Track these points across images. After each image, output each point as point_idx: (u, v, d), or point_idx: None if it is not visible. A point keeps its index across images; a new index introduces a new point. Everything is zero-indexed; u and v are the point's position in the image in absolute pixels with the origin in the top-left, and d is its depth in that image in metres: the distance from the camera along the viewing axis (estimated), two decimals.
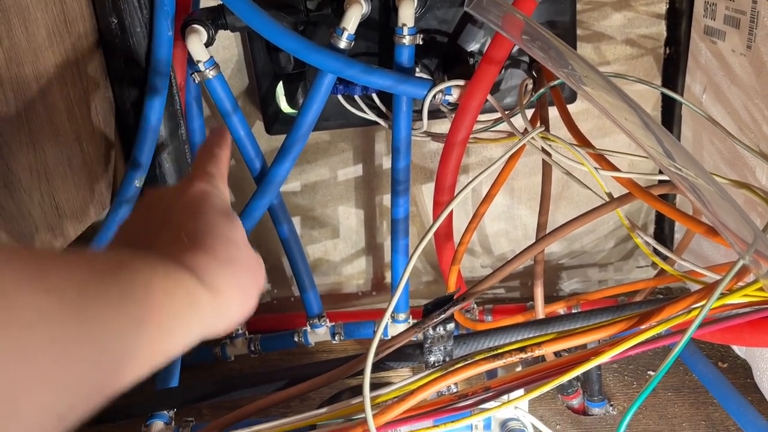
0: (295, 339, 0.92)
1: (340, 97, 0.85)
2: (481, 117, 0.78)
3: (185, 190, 0.38)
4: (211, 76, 0.76)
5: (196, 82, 0.76)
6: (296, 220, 1.01)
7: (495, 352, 0.53)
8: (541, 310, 0.75)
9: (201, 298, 0.32)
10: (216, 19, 0.77)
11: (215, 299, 0.33)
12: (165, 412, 0.67)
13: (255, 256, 0.39)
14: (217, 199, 0.38)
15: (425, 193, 0.99)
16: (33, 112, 0.64)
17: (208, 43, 0.76)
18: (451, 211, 0.79)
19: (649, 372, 0.85)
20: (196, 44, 0.74)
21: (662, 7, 0.86)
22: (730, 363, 0.84)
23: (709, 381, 0.77)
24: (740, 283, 0.53)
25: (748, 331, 0.54)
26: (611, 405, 0.80)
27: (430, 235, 0.59)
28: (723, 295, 0.53)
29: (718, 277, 0.57)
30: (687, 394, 0.80)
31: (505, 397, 0.56)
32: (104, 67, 0.76)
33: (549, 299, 0.94)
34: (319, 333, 0.91)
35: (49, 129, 0.66)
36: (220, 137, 0.44)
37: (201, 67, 0.75)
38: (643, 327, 0.53)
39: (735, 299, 0.53)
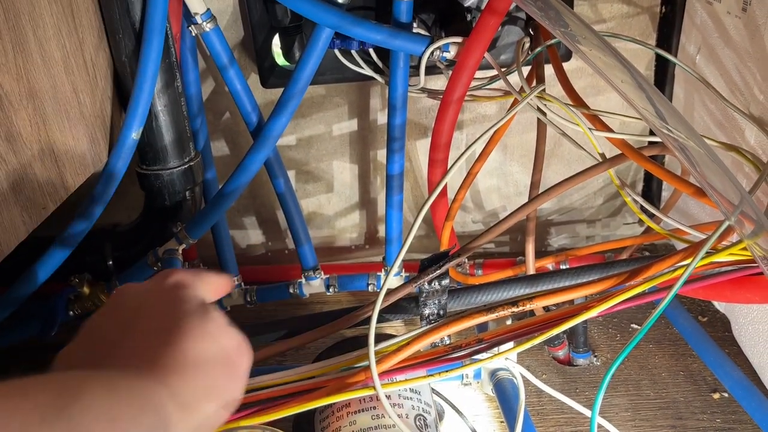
0: (290, 290, 0.94)
1: (336, 51, 0.85)
2: (478, 74, 0.79)
3: (160, 284, 0.37)
4: (208, 29, 0.75)
5: (193, 34, 0.76)
6: (291, 174, 1.01)
7: (488, 306, 0.55)
8: (532, 266, 0.78)
9: (170, 418, 0.30)
10: None
11: (186, 416, 0.31)
12: None
13: (235, 339, 0.37)
14: (190, 291, 0.37)
15: (419, 148, 1.00)
16: (31, 63, 0.63)
17: None
18: (445, 169, 0.80)
19: (632, 325, 0.88)
20: None
21: None
22: (709, 317, 0.87)
23: (689, 334, 0.80)
24: (724, 243, 0.56)
25: (729, 288, 0.56)
26: (595, 356, 0.83)
27: (434, 196, 0.61)
28: (708, 254, 0.55)
29: (702, 236, 0.59)
30: (667, 346, 0.84)
31: (495, 349, 0.58)
32: (100, 19, 0.76)
33: (538, 254, 0.96)
34: (314, 285, 0.93)
35: (46, 81, 0.66)
36: (225, 280, 0.43)
37: (198, 19, 0.74)
38: (631, 283, 0.55)
39: (720, 258, 0.55)
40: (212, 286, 0.41)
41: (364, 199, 1.05)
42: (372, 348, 0.53)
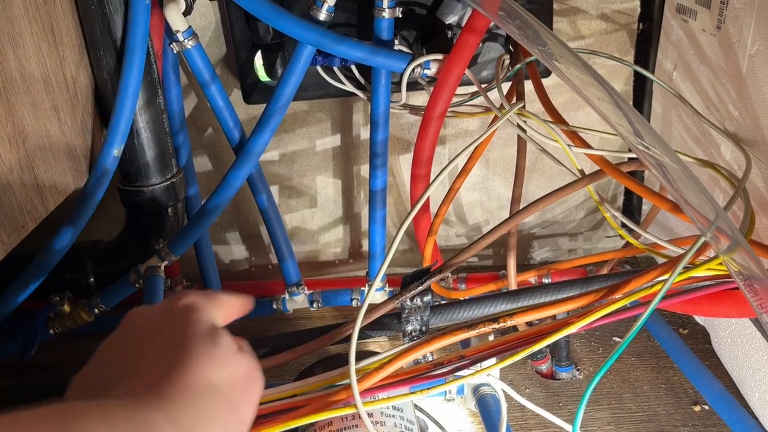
0: (274, 306, 0.93)
1: (318, 68, 0.85)
2: (459, 90, 0.79)
3: (170, 307, 0.37)
4: (189, 46, 0.75)
5: (175, 52, 0.76)
6: (274, 189, 1.01)
7: (469, 323, 0.55)
8: (513, 281, 0.78)
9: None
10: None
11: None
12: None
13: (245, 366, 0.36)
14: (201, 315, 0.36)
15: (402, 163, 1.00)
16: (10, 81, 0.63)
17: (187, 12, 0.75)
18: (428, 185, 0.80)
19: (614, 338, 0.89)
20: (175, 13, 0.73)
21: None
22: (690, 329, 0.88)
23: (670, 347, 0.81)
24: (702, 258, 0.57)
25: (707, 302, 0.57)
26: (578, 370, 0.84)
27: (415, 212, 0.61)
28: (686, 269, 0.56)
29: (678, 250, 0.60)
30: (649, 358, 0.84)
31: (478, 365, 0.58)
32: (81, 36, 0.75)
33: (521, 267, 0.97)
34: (298, 300, 0.93)
35: (26, 99, 0.66)
36: (241, 302, 0.43)
37: (179, 36, 0.74)
38: (610, 299, 0.55)
39: (698, 273, 0.56)
40: (225, 308, 0.40)
41: (348, 213, 1.05)
42: (353, 366, 0.53)
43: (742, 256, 0.49)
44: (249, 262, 1.09)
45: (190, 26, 0.75)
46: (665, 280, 0.52)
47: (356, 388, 0.52)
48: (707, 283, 0.57)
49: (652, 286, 0.55)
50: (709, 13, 0.68)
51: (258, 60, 0.86)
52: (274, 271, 1.08)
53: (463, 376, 0.58)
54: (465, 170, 0.78)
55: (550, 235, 1.07)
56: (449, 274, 0.96)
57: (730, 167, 0.66)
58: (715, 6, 0.67)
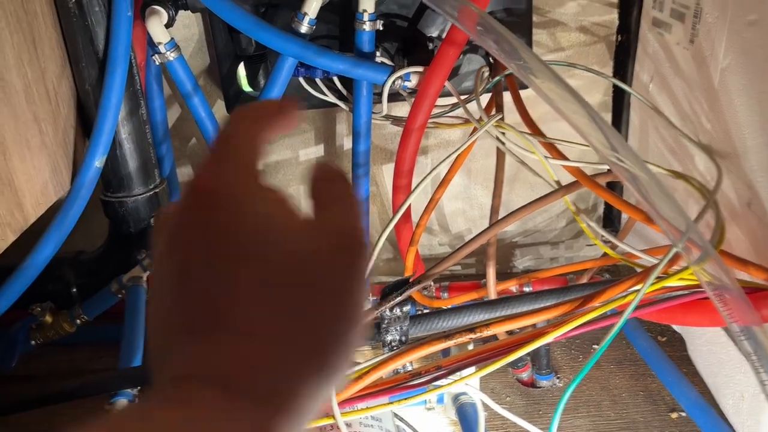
0: None
1: (301, 79, 0.86)
2: (440, 101, 0.80)
3: (311, 239, 0.23)
4: (171, 58, 0.76)
5: (157, 63, 0.76)
6: None
7: (447, 333, 0.56)
8: (493, 290, 0.79)
9: None
10: (176, 0, 0.77)
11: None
12: (129, 390, 0.69)
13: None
14: (361, 261, 0.23)
15: (385, 173, 1.01)
16: None
17: (169, 24, 0.76)
18: (409, 195, 0.81)
19: (594, 346, 0.90)
20: (157, 26, 0.74)
21: None
22: (669, 337, 0.89)
23: (648, 354, 0.82)
24: (676, 267, 0.58)
25: (680, 312, 0.58)
26: (558, 377, 0.84)
27: (396, 220, 0.62)
28: (660, 279, 0.57)
29: (653, 260, 0.61)
30: (627, 366, 0.86)
31: (458, 374, 0.59)
32: (63, 47, 0.76)
33: (503, 276, 0.98)
34: None
35: (7, 110, 0.66)
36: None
37: (161, 48, 0.75)
38: (585, 309, 0.56)
39: (671, 283, 0.57)
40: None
41: None
42: None
43: (712, 266, 0.50)
44: None
45: (172, 38, 0.75)
46: (637, 291, 0.53)
47: (334, 398, 0.52)
48: (681, 292, 0.58)
49: (627, 295, 0.56)
50: (683, 27, 0.70)
51: (241, 71, 0.87)
52: None
53: (441, 386, 0.59)
54: (445, 180, 0.79)
55: (531, 244, 1.08)
56: (431, 283, 0.97)
57: (704, 178, 0.67)
58: (689, 20, 0.68)
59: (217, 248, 0.22)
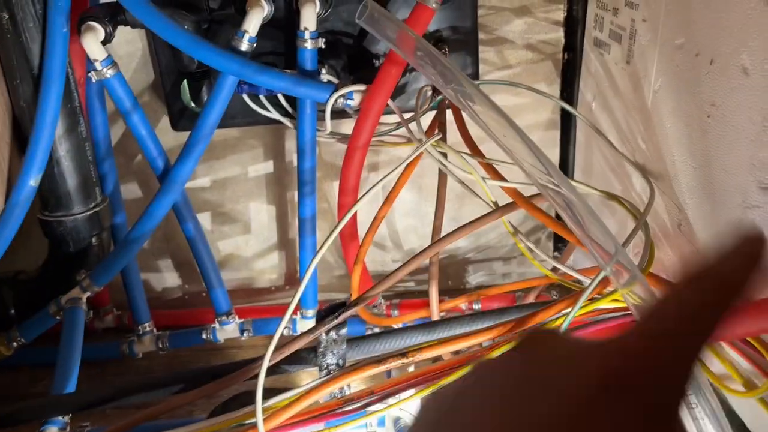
0: (204, 336, 0.92)
1: (245, 95, 0.85)
2: (385, 119, 0.80)
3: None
4: (108, 76, 0.74)
5: (94, 81, 0.75)
6: (206, 216, 1.00)
7: (379, 357, 0.56)
8: (435, 310, 0.78)
9: None
10: (115, 16, 0.75)
11: None
12: (60, 417, 0.67)
13: None
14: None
15: (335, 189, 1.00)
16: None
17: (107, 41, 0.74)
18: (355, 212, 0.81)
19: None
20: (92, 43, 0.72)
21: (560, 15, 0.90)
22: None
23: None
24: (609, 289, 0.58)
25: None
26: None
27: (330, 241, 0.61)
28: (593, 300, 0.57)
29: (588, 281, 0.61)
30: None
31: (395, 398, 0.58)
32: None
33: (455, 292, 0.98)
34: (228, 330, 0.92)
35: None
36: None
37: (98, 66, 0.73)
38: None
39: (604, 304, 0.57)
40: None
41: (283, 240, 1.04)
42: (259, 404, 0.52)
43: (640, 289, 0.50)
44: (182, 289, 1.07)
45: (109, 55, 0.74)
46: (566, 314, 0.53)
47: (262, 428, 0.51)
48: (613, 315, 0.58)
49: (559, 318, 0.56)
50: (621, 48, 0.70)
51: (184, 87, 0.85)
52: (207, 298, 1.06)
53: (378, 410, 0.58)
54: (390, 198, 0.78)
55: (484, 260, 1.08)
56: (381, 299, 0.96)
57: (640, 198, 0.68)
58: (625, 41, 0.69)
59: None
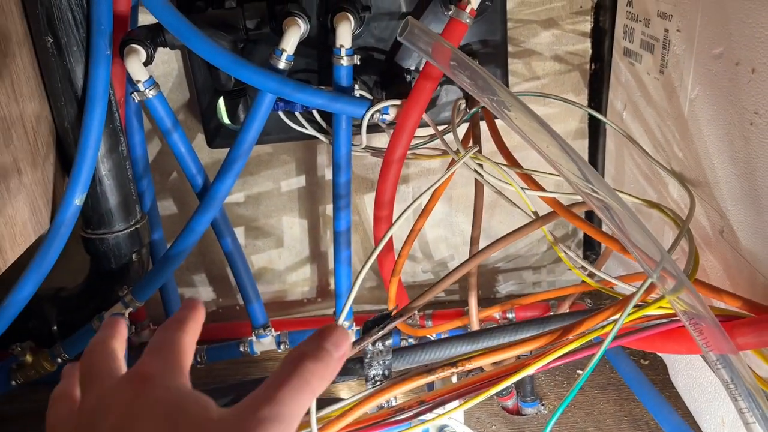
0: (241, 349, 0.93)
1: (280, 112, 0.86)
2: (419, 132, 0.81)
3: (117, 397, 0.29)
4: (150, 96, 0.76)
5: (136, 101, 0.77)
6: (240, 231, 1.02)
7: (429, 368, 0.56)
8: (475, 321, 0.79)
9: None
10: (155, 38, 0.77)
11: None
12: None
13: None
14: (161, 394, 0.29)
15: (367, 202, 1.02)
16: None
17: (147, 62, 0.76)
18: (391, 225, 0.82)
19: (578, 371, 0.90)
20: (135, 64, 0.74)
21: (587, 26, 0.91)
22: (651, 360, 0.90)
23: (630, 379, 0.82)
24: (654, 296, 0.58)
25: (659, 340, 0.59)
26: (542, 404, 0.85)
27: (373, 258, 0.62)
28: (639, 307, 0.57)
29: (629, 289, 0.62)
30: (612, 391, 0.86)
31: (441, 409, 0.59)
32: (41, 87, 0.76)
33: (487, 301, 0.98)
34: (265, 342, 0.93)
35: None
36: (191, 309, 0.34)
37: (140, 87, 0.75)
38: (565, 340, 0.57)
39: (650, 311, 0.58)
40: (184, 356, 0.32)
41: (315, 253, 1.05)
42: (314, 415, 0.53)
43: (687, 295, 0.51)
44: (216, 303, 1.08)
45: (150, 76, 0.76)
46: (615, 321, 0.53)
47: None
48: (660, 321, 0.59)
49: (606, 325, 0.57)
50: (653, 58, 0.71)
51: (221, 105, 0.87)
52: (241, 312, 1.07)
53: (425, 420, 0.59)
54: (426, 211, 0.80)
55: (514, 269, 1.09)
56: (415, 312, 0.97)
57: (677, 206, 0.68)
58: (658, 51, 0.70)
59: None
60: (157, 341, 0.32)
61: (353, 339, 0.77)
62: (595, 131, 0.95)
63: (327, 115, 0.86)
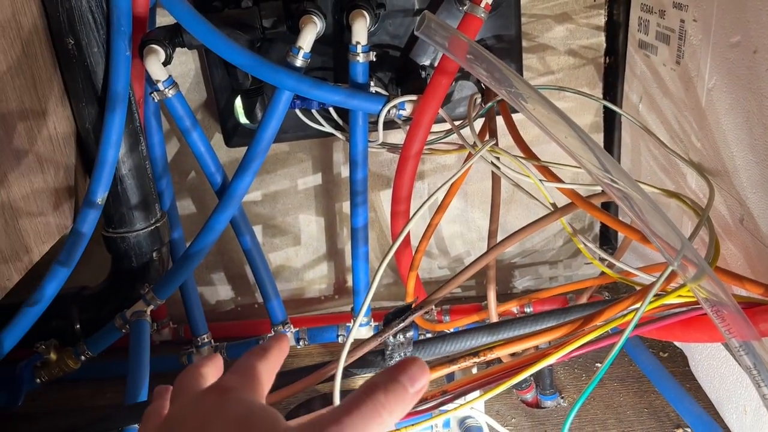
0: None
1: (297, 110, 0.87)
2: (435, 127, 0.82)
3: (196, 406, 0.32)
4: (170, 95, 0.77)
5: (156, 101, 0.78)
6: (258, 229, 1.03)
7: (451, 357, 0.57)
8: (494, 313, 0.79)
9: None
10: (173, 38, 0.78)
11: None
12: (135, 425, 0.69)
13: None
14: (234, 406, 0.31)
15: (383, 199, 1.02)
16: None
17: (166, 62, 0.77)
18: (408, 220, 0.82)
19: (596, 364, 0.90)
20: (155, 64, 0.75)
21: (601, 20, 0.91)
22: (670, 352, 0.90)
23: (650, 371, 0.82)
24: (673, 285, 0.59)
25: (680, 329, 0.59)
26: (562, 397, 0.85)
27: (392, 253, 0.63)
28: (658, 297, 0.57)
29: (650, 278, 0.62)
30: (631, 383, 0.86)
31: (462, 399, 0.60)
32: (63, 88, 0.77)
33: (503, 297, 0.98)
34: None
35: (9, 152, 0.67)
36: (278, 341, 0.38)
37: (160, 86, 0.76)
38: (585, 329, 0.57)
39: (669, 300, 0.58)
40: (264, 381, 0.35)
41: (332, 250, 1.06)
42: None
43: (708, 283, 0.51)
44: (235, 302, 1.09)
45: (170, 76, 0.77)
46: (636, 309, 0.53)
47: None
48: (679, 309, 0.59)
49: (626, 314, 0.57)
50: (669, 49, 0.72)
51: (238, 104, 0.88)
52: (259, 310, 1.08)
53: (447, 411, 0.59)
54: (443, 206, 0.80)
55: (530, 264, 1.09)
56: (433, 307, 0.98)
57: (696, 196, 0.68)
58: (674, 42, 0.70)
59: None
60: (240, 364, 0.35)
61: (370, 335, 0.77)
62: (611, 125, 0.95)
63: (343, 112, 0.87)
